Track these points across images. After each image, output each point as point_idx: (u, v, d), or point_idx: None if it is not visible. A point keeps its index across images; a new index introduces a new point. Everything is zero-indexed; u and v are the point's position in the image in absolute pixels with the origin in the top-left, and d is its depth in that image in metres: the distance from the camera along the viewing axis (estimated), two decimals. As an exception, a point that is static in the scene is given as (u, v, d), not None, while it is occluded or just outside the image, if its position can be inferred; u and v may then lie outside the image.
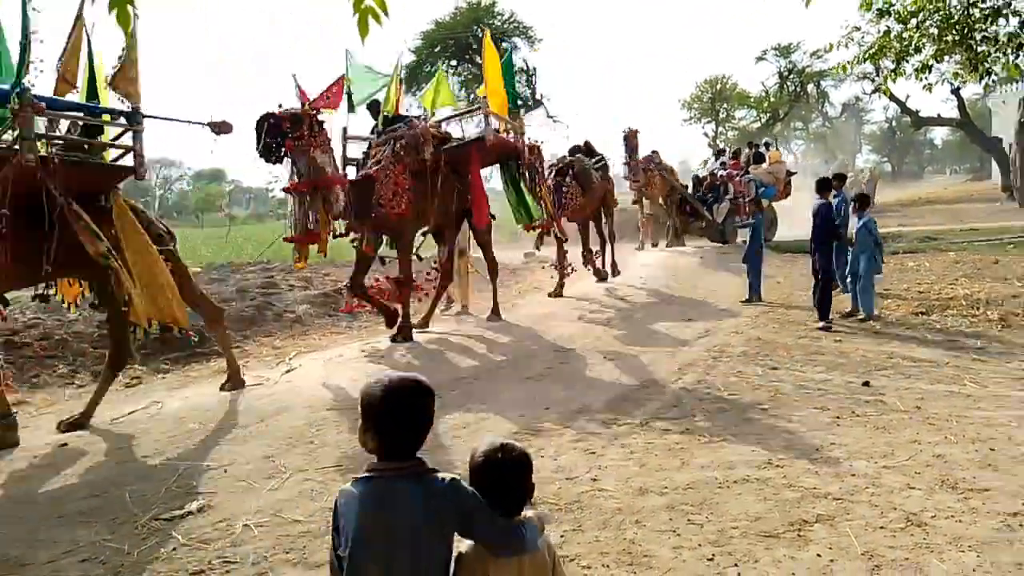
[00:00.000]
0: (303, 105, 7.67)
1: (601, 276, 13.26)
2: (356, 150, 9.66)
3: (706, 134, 46.19)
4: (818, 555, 3.61)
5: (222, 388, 7.20)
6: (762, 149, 22.20)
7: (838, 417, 5.71)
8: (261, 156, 7.62)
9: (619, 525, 4.05)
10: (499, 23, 33.67)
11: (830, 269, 9.44)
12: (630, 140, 17.35)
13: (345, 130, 9.61)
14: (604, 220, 14.12)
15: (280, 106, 7.58)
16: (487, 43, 9.85)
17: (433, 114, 10.37)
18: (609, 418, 5.97)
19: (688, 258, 16.12)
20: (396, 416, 2.18)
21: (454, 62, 34.28)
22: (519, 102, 10.10)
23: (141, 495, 4.72)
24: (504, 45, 33.69)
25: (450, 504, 2.15)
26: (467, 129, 10.00)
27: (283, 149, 7.58)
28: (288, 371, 7.87)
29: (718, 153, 21.59)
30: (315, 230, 7.78)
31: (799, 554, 3.63)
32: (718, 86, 46.22)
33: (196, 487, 4.85)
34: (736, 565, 3.56)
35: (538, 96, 34.53)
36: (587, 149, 13.68)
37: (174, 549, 4.03)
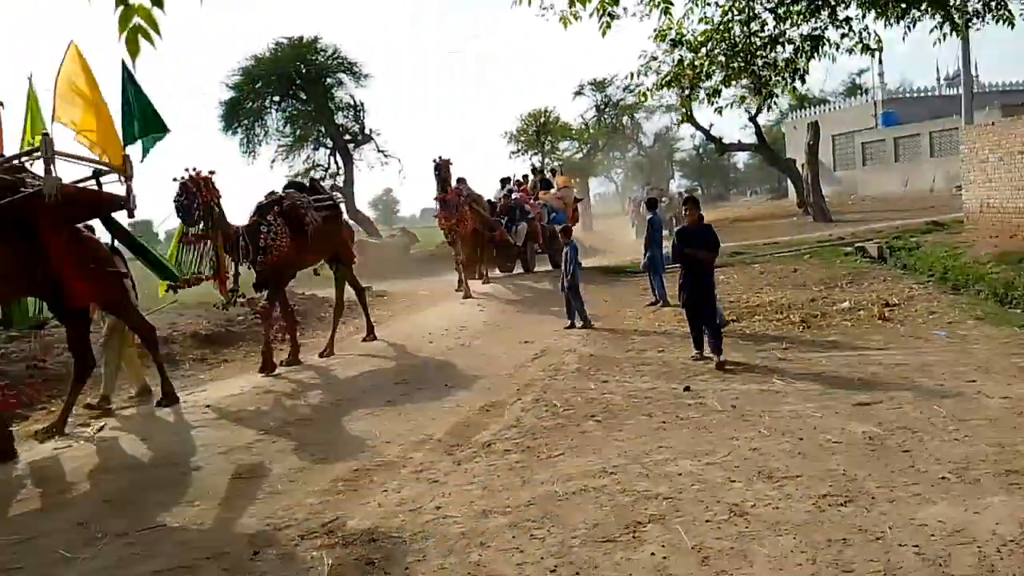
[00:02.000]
0: None
1: (287, 361, 9.80)
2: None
3: (534, 166, 47.70)
4: (652, 554, 3.78)
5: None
6: (548, 175, 21.39)
7: (664, 422, 6.03)
8: None
9: (464, 549, 4.05)
10: (323, 59, 33.19)
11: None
12: (442, 171, 15.18)
13: None
14: (340, 275, 11.41)
15: None
16: (71, 53, 7.07)
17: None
18: (451, 445, 5.97)
19: (523, 286, 16.47)
20: None
21: (277, 98, 33.38)
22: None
23: (-70, 581, 4.17)
24: (328, 81, 33.31)
25: None
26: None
27: None
28: (100, 430, 7.28)
29: (504, 181, 19.55)
30: None
31: (635, 555, 3.78)
32: (541, 119, 47.99)
33: (3, 563, 4.35)
34: (577, 573, 3.65)
35: (367, 131, 34.26)
36: (312, 187, 11.21)
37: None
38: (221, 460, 6.16)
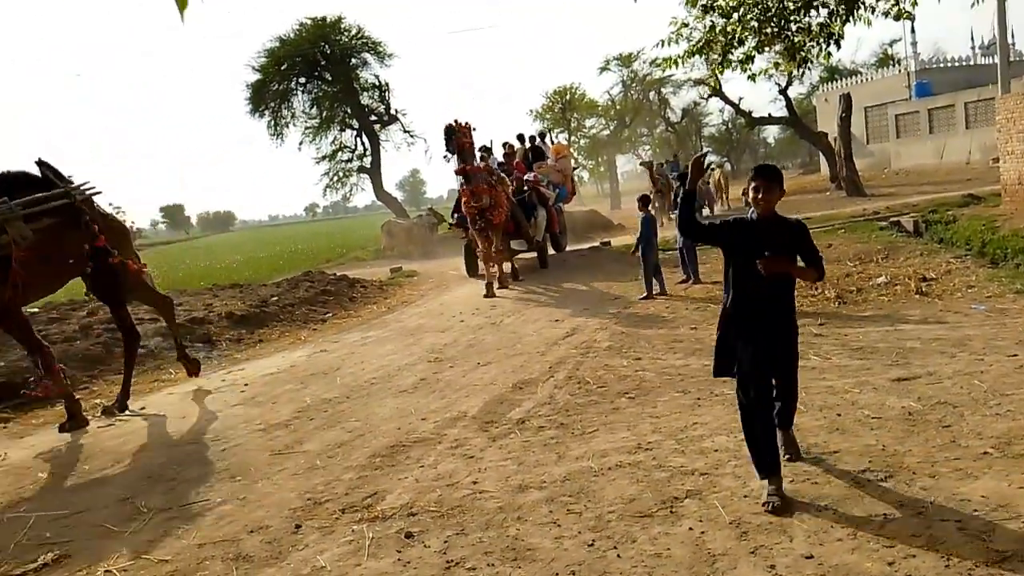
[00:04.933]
0: None
1: (64, 425, 6.92)
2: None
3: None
4: (690, 528, 3.78)
5: (61, 429, 6.83)
6: (538, 142, 17.79)
7: (699, 399, 6.00)
8: None
9: (501, 523, 4.08)
10: (346, 39, 33.20)
11: None
12: (462, 138, 11.98)
13: None
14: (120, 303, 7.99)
15: None
16: None
17: None
18: (486, 422, 6.01)
19: (554, 264, 16.41)
20: None
21: (303, 79, 33.48)
22: None
23: (-15, 553, 4.31)
24: (353, 61, 33.33)
25: None
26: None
27: None
28: (139, 409, 7.44)
29: (484, 150, 14.96)
30: None
31: (673, 529, 3.79)
32: (567, 96, 47.65)
33: (50, 537, 4.49)
34: (615, 547, 3.67)
35: (393, 111, 34.29)
36: (43, 178, 7.10)
37: (26, 608, 3.70)
38: (260, 437, 6.27)
